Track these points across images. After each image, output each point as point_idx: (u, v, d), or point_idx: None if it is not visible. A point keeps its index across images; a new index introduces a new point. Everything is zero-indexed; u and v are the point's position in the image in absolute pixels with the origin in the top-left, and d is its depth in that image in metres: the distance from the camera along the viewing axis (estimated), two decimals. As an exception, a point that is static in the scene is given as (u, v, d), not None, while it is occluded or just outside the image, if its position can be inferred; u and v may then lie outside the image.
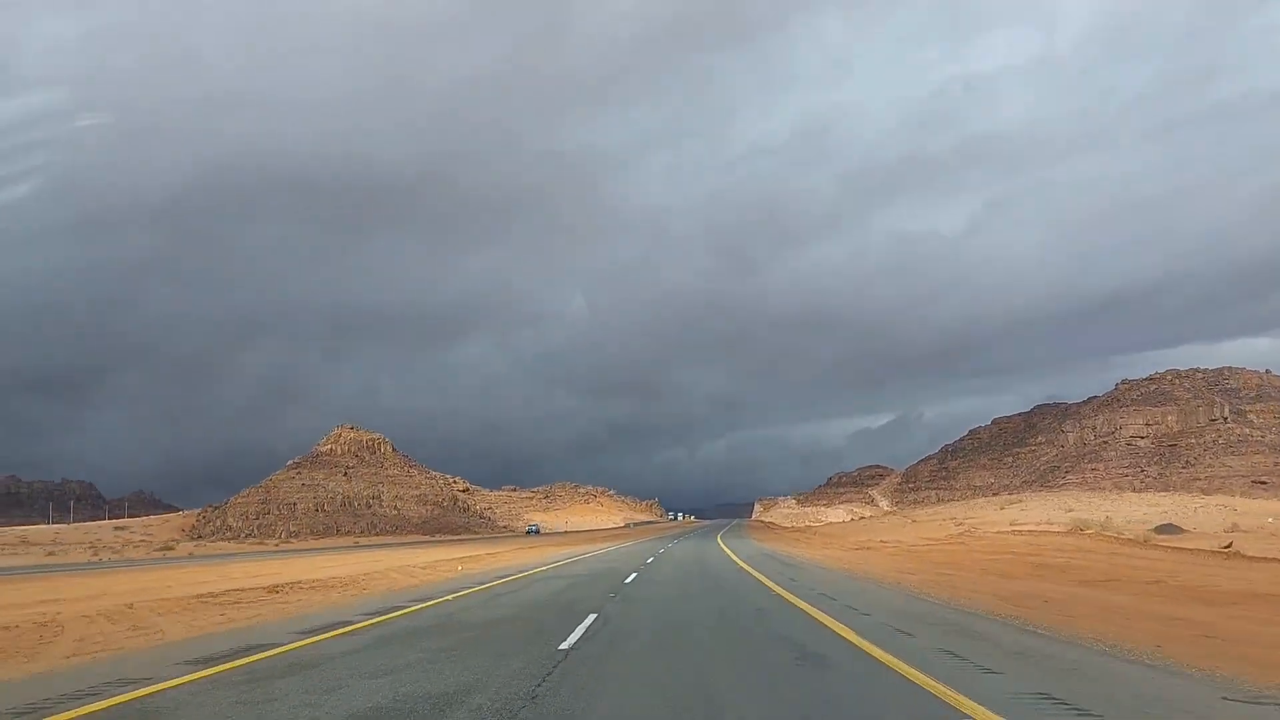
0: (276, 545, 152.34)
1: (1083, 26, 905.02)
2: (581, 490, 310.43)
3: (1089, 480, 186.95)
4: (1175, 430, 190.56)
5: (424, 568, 34.78)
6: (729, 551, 48.21)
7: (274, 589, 24.19)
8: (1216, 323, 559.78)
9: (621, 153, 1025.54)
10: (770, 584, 26.51)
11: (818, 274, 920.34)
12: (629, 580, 30.31)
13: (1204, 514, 69.57)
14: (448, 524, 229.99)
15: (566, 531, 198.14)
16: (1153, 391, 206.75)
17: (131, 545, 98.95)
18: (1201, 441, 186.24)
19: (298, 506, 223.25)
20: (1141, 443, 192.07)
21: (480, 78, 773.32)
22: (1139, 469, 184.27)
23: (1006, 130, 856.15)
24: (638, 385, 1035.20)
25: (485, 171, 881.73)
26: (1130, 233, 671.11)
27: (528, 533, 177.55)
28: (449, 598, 23.09)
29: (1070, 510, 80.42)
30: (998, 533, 53.12)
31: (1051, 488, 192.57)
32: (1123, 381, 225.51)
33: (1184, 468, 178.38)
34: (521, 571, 32.12)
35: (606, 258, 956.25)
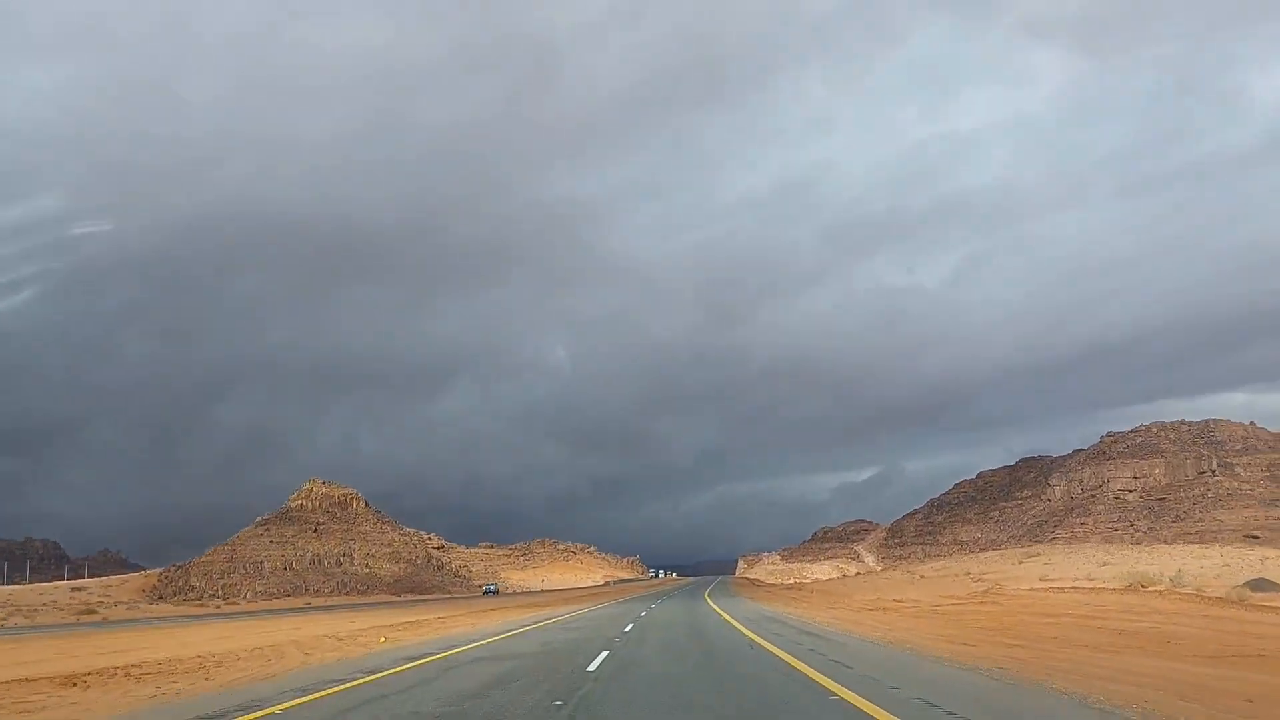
0: (230, 608, 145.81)
1: (1055, 86, 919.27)
2: (561, 547, 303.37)
3: (1078, 534, 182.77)
4: (1163, 483, 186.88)
5: (342, 638, 29.87)
6: (724, 614, 42.82)
7: (68, 679, 19.09)
8: (1193, 377, 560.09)
9: (608, 204, 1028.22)
10: (801, 665, 19.49)
11: (802, 326, 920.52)
12: (595, 665, 22.15)
13: (1246, 566, 64.13)
14: (421, 583, 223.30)
15: (541, 590, 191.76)
16: (1139, 444, 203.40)
17: (54, 609, 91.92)
18: (1190, 495, 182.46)
19: (265, 565, 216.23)
20: (1129, 496, 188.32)
21: (464, 126, 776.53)
22: (1128, 523, 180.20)
23: (985, 186, 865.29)
24: (621, 438, 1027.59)
25: (469, 221, 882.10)
26: (1105, 287, 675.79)
27: (485, 593, 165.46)
28: (313, 696, 16.86)
29: (1104, 564, 75.10)
30: (1031, 590, 47.65)
31: (1041, 542, 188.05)
32: (1108, 434, 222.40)
33: (1174, 521, 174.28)
34: (456, 646, 25.29)
35: (591, 309, 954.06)
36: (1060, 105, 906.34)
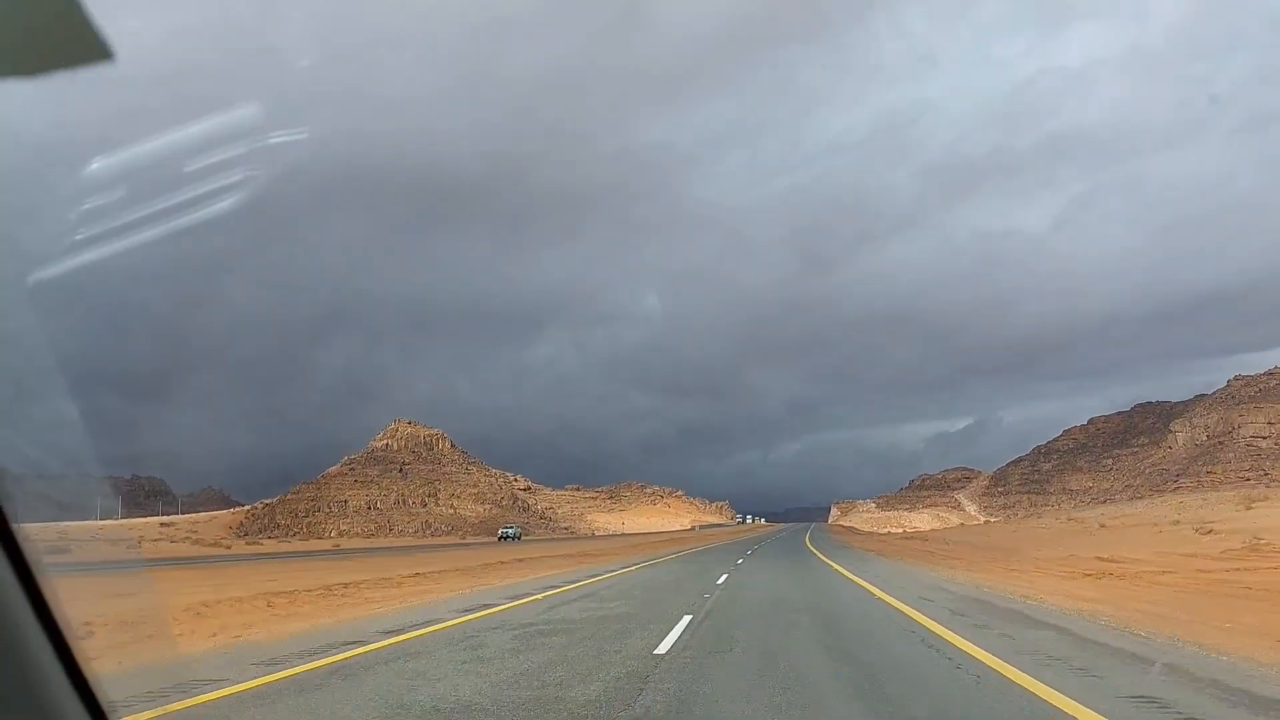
0: (310, 546, 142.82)
1: (1175, 18, 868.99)
2: (649, 490, 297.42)
3: (1205, 483, 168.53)
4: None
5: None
6: (864, 583, 27.71)
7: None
8: None
9: (697, 150, 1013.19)
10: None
11: (895, 274, 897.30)
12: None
13: None
14: (505, 524, 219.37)
15: (620, 534, 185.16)
16: (1274, 388, 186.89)
17: (131, 543, 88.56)
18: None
19: (349, 504, 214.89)
20: (1263, 443, 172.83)
21: (554, 74, 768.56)
22: (1261, 471, 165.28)
23: (1095, 124, 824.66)
24: (711, 387, 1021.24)
25: (559, 169, 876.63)
26: (1220, 231, 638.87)
27: (501, 538, 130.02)
28: None
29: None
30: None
31: (1161, 492, 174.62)
32: (1236, 377, 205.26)
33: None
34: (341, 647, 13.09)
35: (681, 257, 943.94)
36: (1177, 37, 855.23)
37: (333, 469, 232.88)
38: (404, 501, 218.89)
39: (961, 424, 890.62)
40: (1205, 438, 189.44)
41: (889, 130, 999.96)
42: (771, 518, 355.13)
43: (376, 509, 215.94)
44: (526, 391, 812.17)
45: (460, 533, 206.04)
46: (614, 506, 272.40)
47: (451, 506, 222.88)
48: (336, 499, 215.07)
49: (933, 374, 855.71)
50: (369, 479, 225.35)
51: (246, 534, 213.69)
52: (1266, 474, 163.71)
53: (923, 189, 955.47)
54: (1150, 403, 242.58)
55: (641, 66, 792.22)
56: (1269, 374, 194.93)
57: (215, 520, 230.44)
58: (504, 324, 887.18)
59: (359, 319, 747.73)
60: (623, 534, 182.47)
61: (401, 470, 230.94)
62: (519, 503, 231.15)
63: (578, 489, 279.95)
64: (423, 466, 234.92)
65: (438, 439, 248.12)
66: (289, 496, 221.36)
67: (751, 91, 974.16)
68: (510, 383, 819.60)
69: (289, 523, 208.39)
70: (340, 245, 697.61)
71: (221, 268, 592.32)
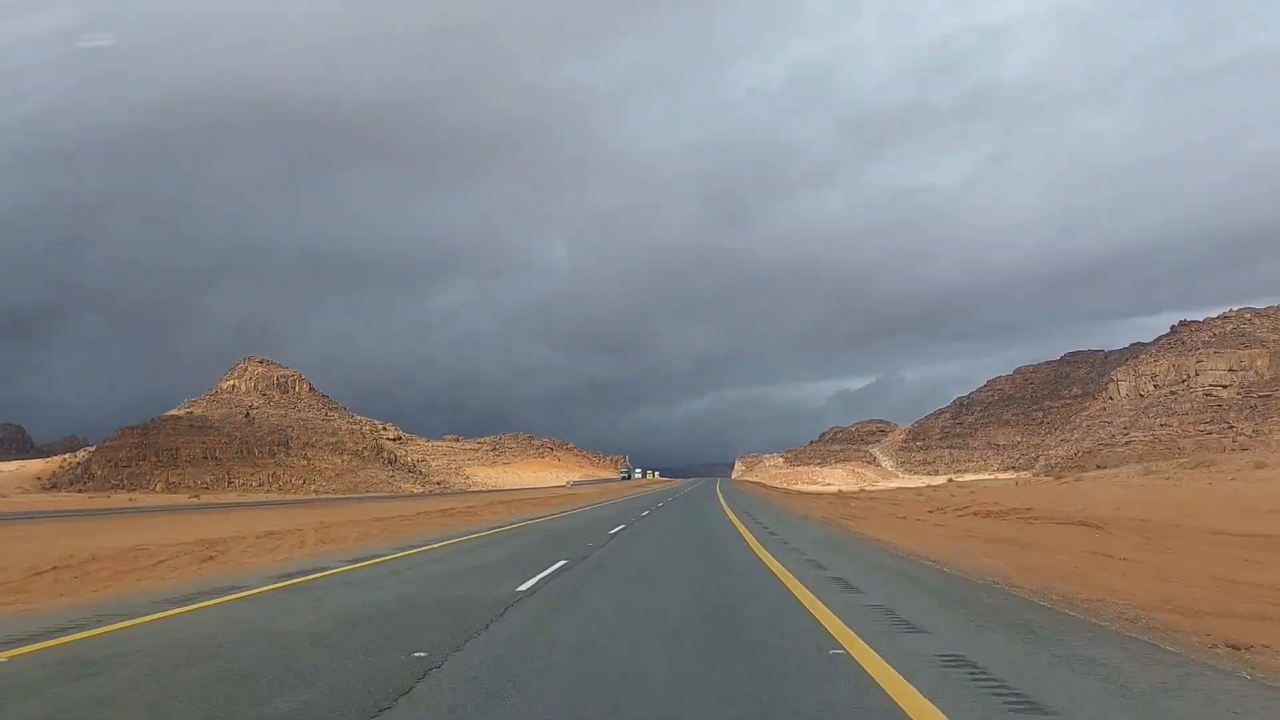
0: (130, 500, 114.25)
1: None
2: (536, 443, 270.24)
3: (1160, 438, 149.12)
4: (1267, 377, 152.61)
5: None
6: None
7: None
8: (1209, 289, 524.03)
9: (612, 95, 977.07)
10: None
11: (808, 228, 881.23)
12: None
13: None
14: (366, 478, 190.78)
15: (464, 490, 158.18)
16: (1229, 333, 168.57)
17: None
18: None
19: (180, 454, 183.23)
20: (1223, 393, 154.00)
21: (465, 6, 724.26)
22: (1224, 424, 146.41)
23: (1014, 81, 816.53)
24: (619, 341, 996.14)
25: (467, 108, 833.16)
26: (1129, 191, 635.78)
27: None
28: None
29: None
30: None
31: (1112, 447, 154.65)
32: (1182, 323, 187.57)
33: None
34: None
35: (593, 205, 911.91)
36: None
37: (171, 412, 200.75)
38: (248, 450, 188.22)
39: (863, 383, 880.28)
40: (1153, 387, 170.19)
41: (808, 81, 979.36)
42: (672, 473, 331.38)
43: (214, 459, 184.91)
44: (426, 343, 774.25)
45: (306, 489, 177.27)
46: (496, 459, 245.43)
47: (305, 457, 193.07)
48: (166, 446, 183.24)
49: (839, 332, 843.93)
50: (208, 424, 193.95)
51: (56, 486, 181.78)
52: (1231, 427, 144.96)
53: (840, 141, 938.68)
54: (1082, 351, 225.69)
55: (557, 3, 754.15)
56: (1223, 318, 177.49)
57: (25, 469, 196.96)
58: (402, 272, 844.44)
59: (249, 263, 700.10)
60: (467, 490, 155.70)
61: (248, 415, 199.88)
62: (384, 454, 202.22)
63: (456, 439, 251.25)
64: (274, 411, 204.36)
65: (294, 381, 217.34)
66: (110, 444, 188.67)
67: (672, 36, 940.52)
68: (408, 333, 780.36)
69: (106, 474, 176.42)
70: (230, 184, 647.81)
71: (101, 205, 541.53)
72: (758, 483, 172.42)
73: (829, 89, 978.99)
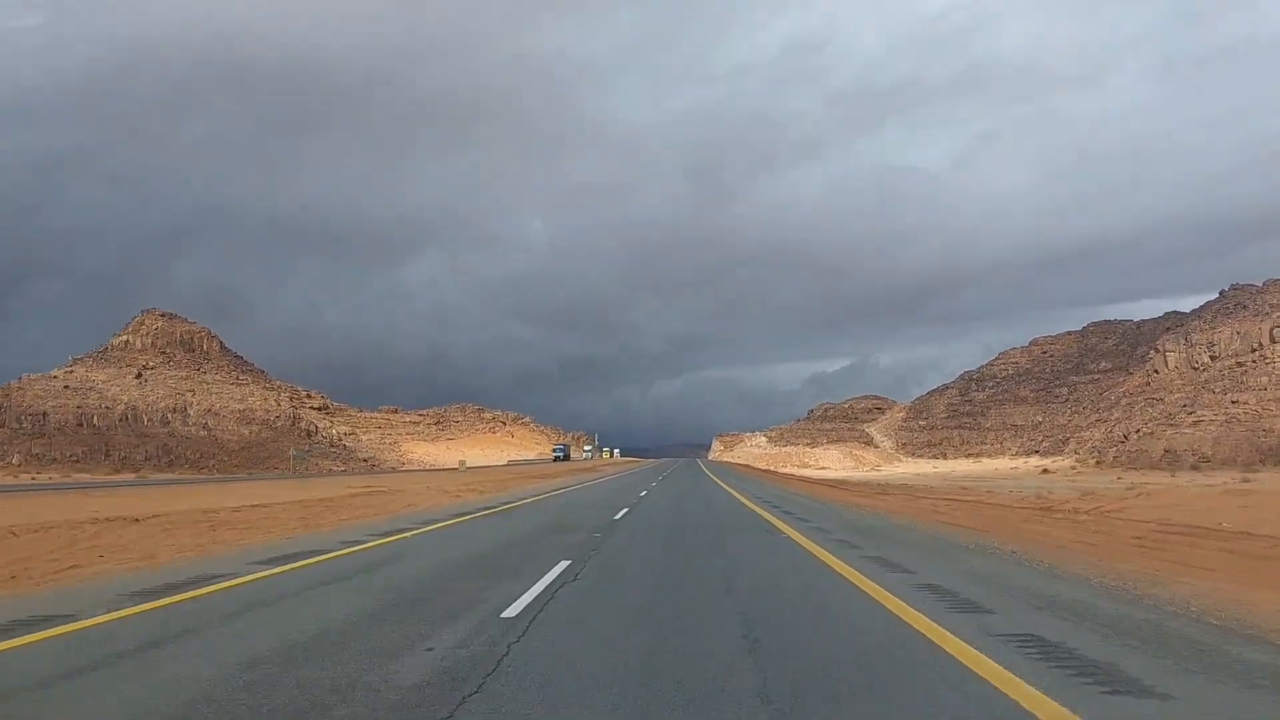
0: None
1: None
2: (486, 415, 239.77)
3: (1238, 418, 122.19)
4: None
5: None
6: None
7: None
8: (1193, 275, 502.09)
9: (597, 63, 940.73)
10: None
11: (792, 206, 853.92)
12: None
13: None
14: (279, 452, 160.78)
15: (395, 469, 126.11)
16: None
17: None
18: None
19: (50, 418, 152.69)
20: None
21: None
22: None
23: (1005, 59, 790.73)
24: (594, 319, 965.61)
25: (447, 73, 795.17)
26: (1119, 175, 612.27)
27: None
28: None
29: None
30: None
31: (1177, 428, 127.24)
32: (1234, 286, 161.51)
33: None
34: None
35: (573, 178, 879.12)
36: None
37: (53, 372, 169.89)
38: (134, 418, 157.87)
39: (838, 365, 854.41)
40: (1209, 359, 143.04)
41: (799, 52, 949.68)
42: (642, 454, 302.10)
43: (91, 426, 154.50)
44: (398, 315, 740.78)
45: (207, 465, 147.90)
46: (440, 434, 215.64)
47: (205, 426, 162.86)
48: (33, 410, 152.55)
49: (816, 313, 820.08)
50: (88, 386, 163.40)
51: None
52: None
53: (829, 115, 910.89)
54: (1108, 321, 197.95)
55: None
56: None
57: None
58: (376, 242, 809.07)
59: (215, 229, 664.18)
60: (408, 469, 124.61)
61: (140, 376, 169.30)
62: (301, 425, 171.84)
63: (394, 411, 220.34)
64: (173, 373, 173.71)
65: (201, 338, 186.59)
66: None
67: (659, 4, 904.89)
68: (376, 305, 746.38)
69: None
70: (199, 145, 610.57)
71: (62, 164, 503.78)
72: (743, 465, 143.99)
73: (819, 62, 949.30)
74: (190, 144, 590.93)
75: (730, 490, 45.66)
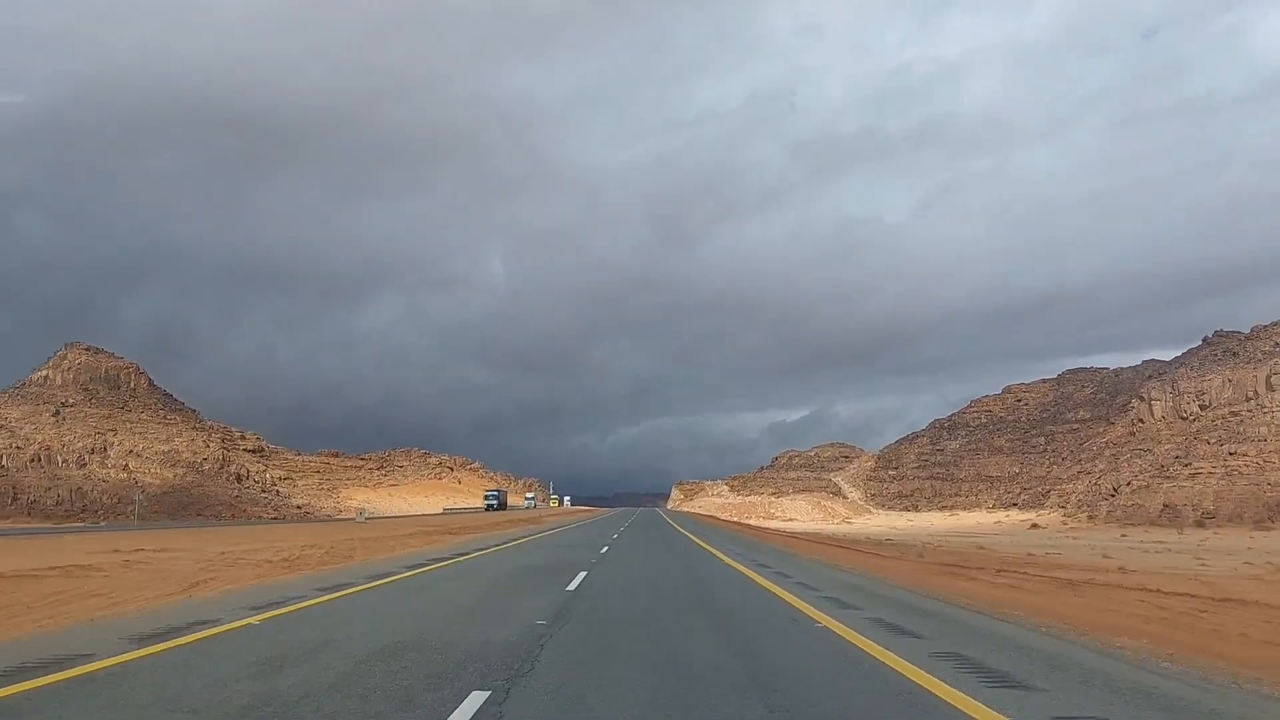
0: None
1: (1050, 14, 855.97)
2: (432, 460, 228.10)
3: (1239, 470, 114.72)
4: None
5: None
6: None
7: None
8: (1150, 329, 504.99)
9: (559, 106, 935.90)
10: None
11: (752, 253, 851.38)
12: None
13: None
14: (204, 498, 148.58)
15: (331, 518, 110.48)
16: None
17: None
18: None
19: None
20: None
21: (409, 4, 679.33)
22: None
23: (966, 113, 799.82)
24: (553, 362, 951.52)
25: (407, 113, 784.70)
26: (1074, 229, 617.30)
27: None
28: None
29: None
30: None
31: (1174, 480, 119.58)
32: (1218, 333, 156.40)
33: None
34: None
35: (533, 220, 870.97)
36: (1054, 34, 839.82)
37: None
38: (47, 459, 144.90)
39: (798, 415, 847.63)
40: (1198, 408, 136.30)
41: (764, 101, 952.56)
42: (598, 502, 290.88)
43: (1, 467, 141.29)
44: (357, 361, 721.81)
45: (122, 512, 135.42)
46: (383, 480, 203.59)
47: (125, 469, 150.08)
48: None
49: (776, 362, 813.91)
50: (3, 423, 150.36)
51: None
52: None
53: (791, 165, 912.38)
54: (1084, 369, 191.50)
55: (506, 7, 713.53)
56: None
57: None
58: (332, 282, 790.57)
59: (166, 267, 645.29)
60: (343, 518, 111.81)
61: (58, 414, 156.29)
62: (231, 468, 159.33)
63: (334, 455, 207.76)
64: (94, 410, 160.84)
65: (128, 374, 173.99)
66: None
67: (626, 50, 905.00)
68: (334, 346, 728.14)
69: None
70: (150, 183, 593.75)
71: (7, 201, 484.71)
72: (710, 516, 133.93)
73: (783, 111, 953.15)
74: (143, 181, 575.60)
75: (720, 555, 34.62)
